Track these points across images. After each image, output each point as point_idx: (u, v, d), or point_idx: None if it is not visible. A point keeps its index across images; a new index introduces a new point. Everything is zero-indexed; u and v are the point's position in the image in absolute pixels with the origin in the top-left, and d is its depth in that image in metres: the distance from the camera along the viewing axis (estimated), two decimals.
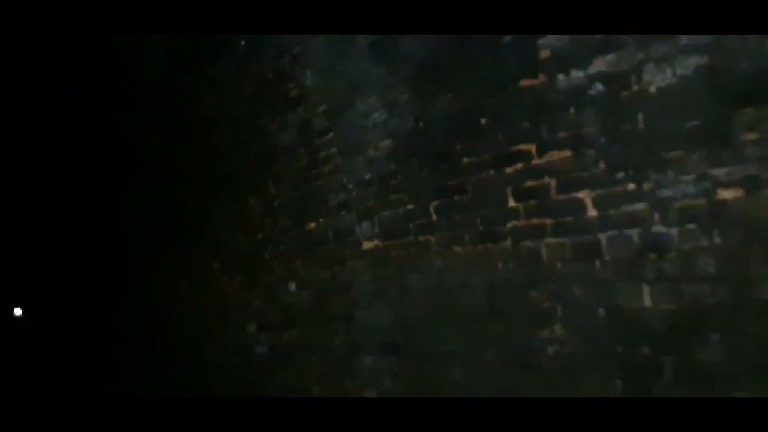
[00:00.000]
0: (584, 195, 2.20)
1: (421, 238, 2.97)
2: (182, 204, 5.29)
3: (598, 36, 2.09)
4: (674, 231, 1.95)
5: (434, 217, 2.88)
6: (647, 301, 2.03)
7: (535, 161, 2.37)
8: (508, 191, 2.48)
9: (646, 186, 2.02)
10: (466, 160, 2.66)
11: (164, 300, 5.87)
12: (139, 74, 4.97)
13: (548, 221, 2.33)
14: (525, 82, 2.37)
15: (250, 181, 4.37)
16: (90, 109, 5.79)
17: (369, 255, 3.35)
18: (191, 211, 5.20)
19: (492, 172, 2.55)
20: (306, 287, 3.95)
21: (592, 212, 2.18)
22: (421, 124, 2.88)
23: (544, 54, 2.27)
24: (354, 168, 3.37)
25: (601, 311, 2.17)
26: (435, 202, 2.86)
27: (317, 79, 3.44)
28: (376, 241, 3.29)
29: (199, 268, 5.27)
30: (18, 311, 8.68)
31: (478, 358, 2.64)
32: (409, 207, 3.03)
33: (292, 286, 4.10)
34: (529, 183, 2.40)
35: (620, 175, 2.08)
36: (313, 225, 3.81)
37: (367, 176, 3.28)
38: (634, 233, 2.05)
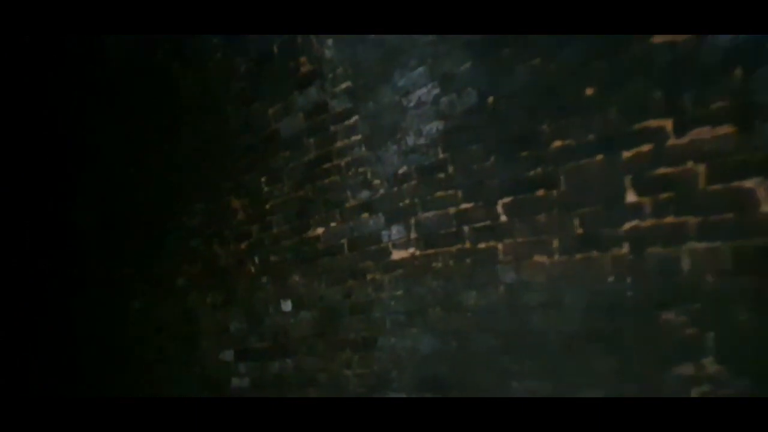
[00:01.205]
0: (755, 184, 1.61)
1: (481, 245, 2.30)
2: (142, 206, 4.41)
3: None
4: None
5: (503, 218, 2.22)
6: None
7: (672, 141, 1.76)
8: (627, 182, 1.87)
9: None
10: (557, 143, 2.03)
11: (112, 318, 4.89)
12: (96, 45, 4.10)
13: (693, 220, 1.72)
14: (658, 39, 1.77)
15: (234, 179, 3.58)
16: (26, 85, 4.82)
17: (401, 267, 2.65)
18: (153, 214, 4.33)
19: (599, 157, 1.93)
20: (306, 307, 3.19)
21: None
22: (489, 99, 2.23)
23: None
24: (384, 159, 2.68)
25: None
26: (505, 199, 2.21)
27: (341, 49, 2.75)
28: (411, 250, 2.60)
29: (158, 282, 4.39)
30: None
31: None
32: (464, 206, 2.36)
33: (287, 306, 3.32)
34: (661, 170, 1.79)
35: None
36: (319, 231, 3.07)
37: (403, 169, 2.60)
38: None
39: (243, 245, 3.62)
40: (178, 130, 3.87)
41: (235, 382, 3.74)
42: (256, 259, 3.52)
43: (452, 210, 2.41)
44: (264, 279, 3.48)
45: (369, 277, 2.81)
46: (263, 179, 3.38)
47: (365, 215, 2.81)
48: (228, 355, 3.80)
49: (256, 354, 3.56)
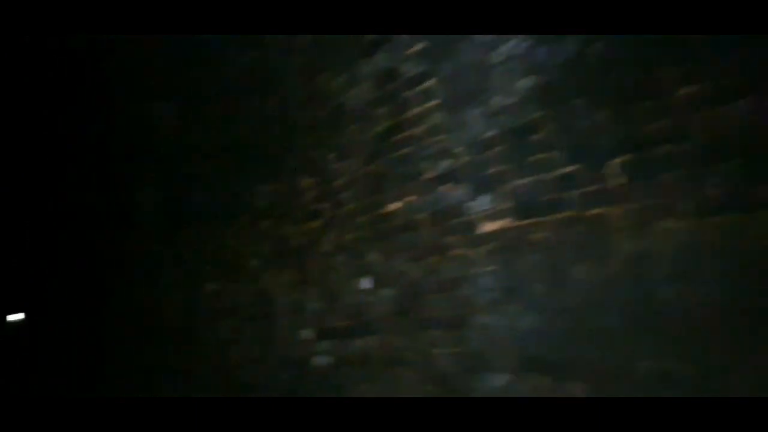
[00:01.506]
0: None
1: (592, 212, 1.99)
2: (208, 189, 4.26)
3: None
4: None
5: (618, 180, 1.90)
6: None
7: None
8: None
9: None
10: (686, 90, 1.68)
11: (185, 301, 4.82)
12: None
13: None
14: None
15: (301, 156, 3.35)
16: (82, 66, 4.70)
17: (492, 240, 2.36)
18: (220, 197, 4.17)
19: (743, 102, 1.57)
20: (386, 285, 2.96)
21: None
22: (594, 47, 1.88)
23: None
24: (466, 124, 2.37)
25: None
26: (620, 159, 1.88)
27: None
28: (504, 221, 2.30)
29: (230, 264, 4.26)
30: (17, 316, 7.53)
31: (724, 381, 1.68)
32: (568, 169, 2.04)
33: (366, 284, 3.10)
34: None
35: None
36: (395, 206, 2.81)
37: (489, 133, 2.29)
38: None
39: (315, 224, 3.41)
40: (239, 110, 3.65)
41: (317, 360, 3.58)
42: (330, 238, 3.31)
43: (553, 174, 2.10)
44: (339, 257, 3.27)
45: (454, 252, 2.54)
46: (332, 155, 3.13)
47: (446, 186, 2.53)
48: (307, 333, 3.64)
49: (336, 332, 3.38)
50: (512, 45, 2.12)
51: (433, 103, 2.49)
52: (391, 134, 2.74)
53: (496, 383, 2.36)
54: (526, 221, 2.22)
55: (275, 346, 3.91)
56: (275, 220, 3.74)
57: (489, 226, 2.37)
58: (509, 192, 2.26)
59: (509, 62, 2.14)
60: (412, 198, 2.71)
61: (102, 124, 5.10)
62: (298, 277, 3.63)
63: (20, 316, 7.67)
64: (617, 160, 1.88)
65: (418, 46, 2.47)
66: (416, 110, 2.58)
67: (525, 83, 2.11)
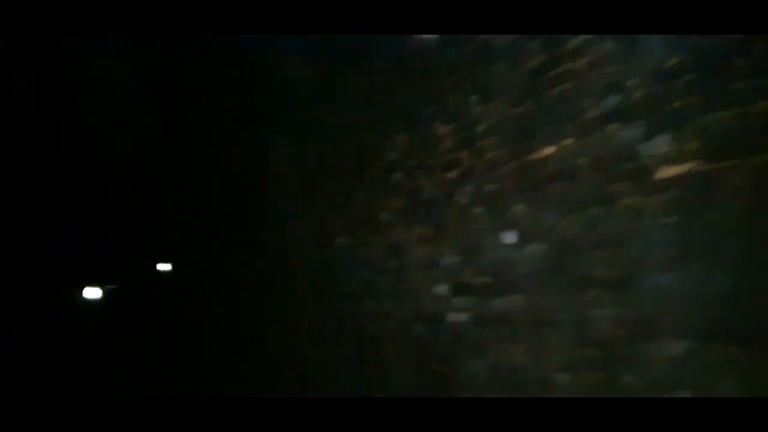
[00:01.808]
0: None
1: None
2: (335, 141, 4.28)
3: None
4: None
5: None
6: None
7: None
8: None
9: None
10: None
11: (316, 253, 4.96)
12: None
13: None
14: None
15: (438, 102, 3.20)
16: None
17: (671, 187, 2.07)
18: (347, 149, 4.17)
19: None
20: (534, 240, 2.76)
21: None
22: None
23: None
24: (642, 53, 2.07)
25: None
26: None
27: None
28: (688, 165, 2.00)
29: (361, 216, 4.28)
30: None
31: None
32: None
33: (510, 238, 2.93)
34: None
35: None
36: (548, 151, 2.59)
37: (673, 61, 1.98)
38: None
39: (451, 175, 3.28)
40: (373, 55, 3.57)
41: (452, 316, 3.50)
42: (468, 189, 3.16)
43: (758, 107, 1.76)
44: (478, 210, 3.12)
45: (621, 202, 2.28)
46: (473, 98, 2.95)
47: (614, 126, 2.25)
48: (442, 289, 3.56)
49: (474, 289, 3.26)
50: None
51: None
52: (545, 70, 2.49)
53: (670, 351, 2.11)
54: (718, 164, 1.90)
55: (408, 300, 3.90)
56: (408, 172, 3.66)
57: (668, 171, 2.07)
58: (697, 130, 1.95)
59: None
60: (570, 141, 2.46)
61: (236, 80, 5.30)
62: (433, 231, 3.55)
63: (167, 267, 8.42)
64: None
65: None
66: (573, 44, 2.31)
67: None
